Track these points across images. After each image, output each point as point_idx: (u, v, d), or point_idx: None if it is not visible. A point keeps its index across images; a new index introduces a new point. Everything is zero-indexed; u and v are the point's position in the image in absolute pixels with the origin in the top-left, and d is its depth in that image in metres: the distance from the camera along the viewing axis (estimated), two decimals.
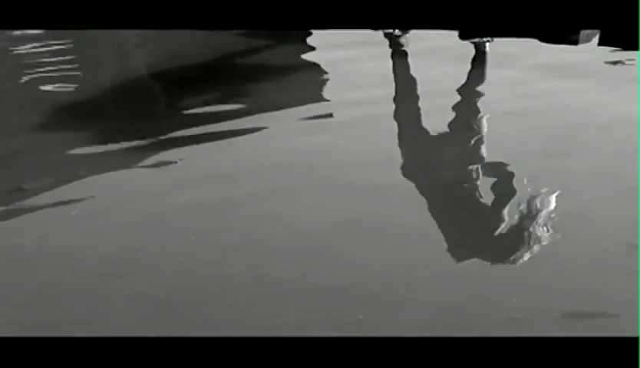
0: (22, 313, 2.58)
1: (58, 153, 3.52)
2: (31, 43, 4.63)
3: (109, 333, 2.44)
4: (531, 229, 3.07)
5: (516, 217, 3.16)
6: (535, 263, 2.88)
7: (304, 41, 4.81)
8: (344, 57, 4.61)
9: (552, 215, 3.13)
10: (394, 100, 4.19)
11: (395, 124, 3.94)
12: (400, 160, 3.60)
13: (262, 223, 3.07)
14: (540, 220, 3.11)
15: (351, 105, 4.02)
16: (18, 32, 4.64)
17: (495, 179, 3.45)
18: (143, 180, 3.35)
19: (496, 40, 4.63)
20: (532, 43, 4.21)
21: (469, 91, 4.28)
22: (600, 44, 3.90)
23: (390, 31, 4.75)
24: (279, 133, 3.76)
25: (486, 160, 3.60)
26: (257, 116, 3.92)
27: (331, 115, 3.95)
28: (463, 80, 4.40)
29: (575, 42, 4.10)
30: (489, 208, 3.25)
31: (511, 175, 3.47)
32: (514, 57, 4.63)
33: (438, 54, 4.64)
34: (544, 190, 3.30)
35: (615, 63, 4.57)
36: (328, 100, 4.12)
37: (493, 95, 4.26)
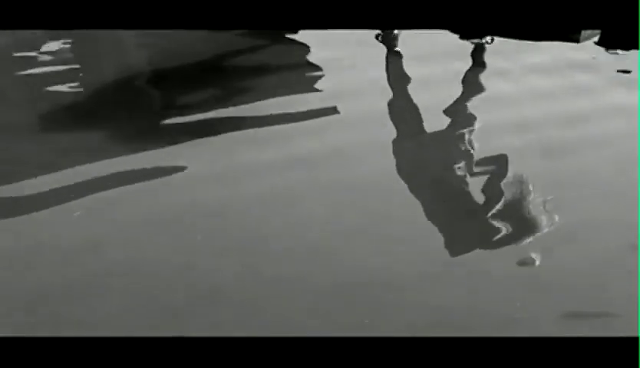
0: (22, 313, 2.58)
1: (58, 153, 3.52)
2: (31, 43, 4.63)
3: (109, 333, 2.44)
4: (531, 229, 3.07)
5: (517, 217, 3.16)
6: (535, 263, 2.88)
7: (303, 40, 4.81)
8: (343, 56, 4.61)
9: (552, 215, 3.13)
10: (393, 99, 4.19)
11: (393, 123, 3.94)
12: (399, 160, 3.60)
13: (262, 223, 3.07)
14: (540, 220, 3.11)
15: (350, 104, 4.03)
16: (17, 32, 4.63)
17: (494, 179, 3.45)
18: (143, 180, 3.34)
19: (496, 40, 4.64)
20: (532, 43, 4.21)
21: (467, 90, 4.28)
22: (600, 43, 3.90)
23: (388, 31, 4.76)
24: (279, 133, 3.76)
25: (486, 160, 3.59)
26: (257, 115, 3.92)
27: (329, 114, 3.96)
28: (463, 77, 4.39)
29: (576, 42, 4.11)
30: (489, 208, 3.25)
31: (511, 175, 3.47)
32: (514, 57, 4.63)
33: (437, 53, 4.64)
34: (544, 190, 3.30)
35: (615, 63, 4.57)
36: (327, 99, 4.12)
37: (492, 94, 4.26)
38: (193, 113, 3.92)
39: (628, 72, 4.40)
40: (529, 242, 2.99)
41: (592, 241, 3.00)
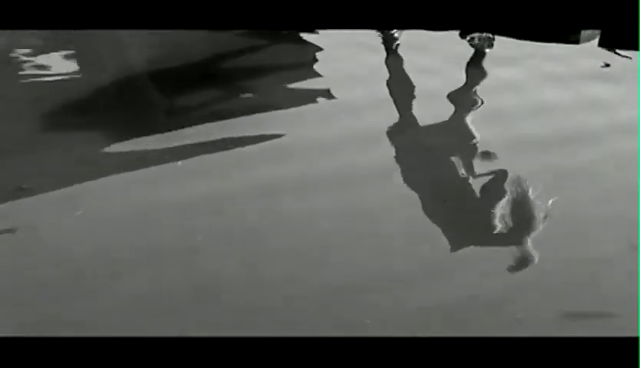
0: (22, 313, 2.58)
1: (58, 153, 3.52)
2: (31, 43, 4.63)
3: (109, 333, 2.44)
4: (531, 229, 3.07)
5: (517, 217, 3.16)
6: (535, 263, 2.88)
7: (303, 40, 4.81)
8: (343, 56, 4.61)
9: (553, 215, 3.13)
10: (393, 98, 4.19)
11: (393, 123, 3.94)
12: (399, 159, 3.60)
13: (262, 222, 3.07)
14: (541, 220, 3.11)
15: (349, 103, 4.03)
16: (17, 32, 4.63)
17: (494, 179, 3.45)
18: (143, 180, 3.34)
19: (496, 40, 4.64)
20: (533, 43, 4.22)
21: (467, 90, 4.28)
22: (600, 44, 3.91)
23: (388, 30, 4.76)
24: (279, 133, 3.76)
25: (486, 159, 3.59)
26: (257, 115, 3.92)
27: (330, 114, 3.96)
28: (462, 78, 4.39)
29: (576, 42, 4.11)
30: (489, 207, 3.25)
31: (511, 174, 3.47)
32: (513, 56, 4.63)
33: (437, 53, 4.64)
34: (544, 190, 3.30)
35: (615, 63, 4.57)
36: (327, 99, 4.12)
37: (492, 93, 4.26)
38: (193, 113, 3.92)
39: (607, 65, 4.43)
40: (530, 242, 2.99)
41: (592, 241, 3.00)
